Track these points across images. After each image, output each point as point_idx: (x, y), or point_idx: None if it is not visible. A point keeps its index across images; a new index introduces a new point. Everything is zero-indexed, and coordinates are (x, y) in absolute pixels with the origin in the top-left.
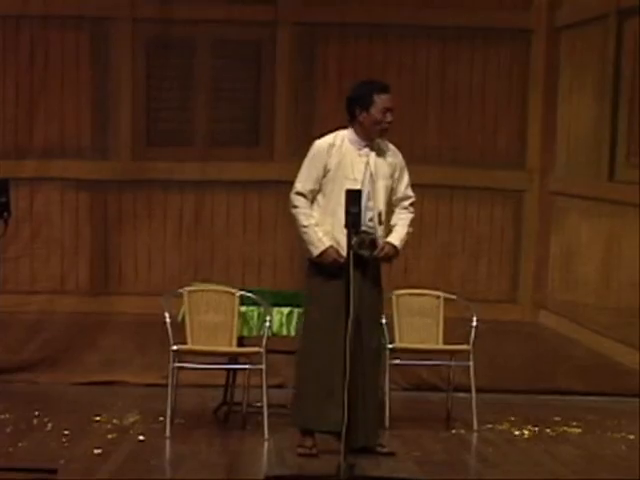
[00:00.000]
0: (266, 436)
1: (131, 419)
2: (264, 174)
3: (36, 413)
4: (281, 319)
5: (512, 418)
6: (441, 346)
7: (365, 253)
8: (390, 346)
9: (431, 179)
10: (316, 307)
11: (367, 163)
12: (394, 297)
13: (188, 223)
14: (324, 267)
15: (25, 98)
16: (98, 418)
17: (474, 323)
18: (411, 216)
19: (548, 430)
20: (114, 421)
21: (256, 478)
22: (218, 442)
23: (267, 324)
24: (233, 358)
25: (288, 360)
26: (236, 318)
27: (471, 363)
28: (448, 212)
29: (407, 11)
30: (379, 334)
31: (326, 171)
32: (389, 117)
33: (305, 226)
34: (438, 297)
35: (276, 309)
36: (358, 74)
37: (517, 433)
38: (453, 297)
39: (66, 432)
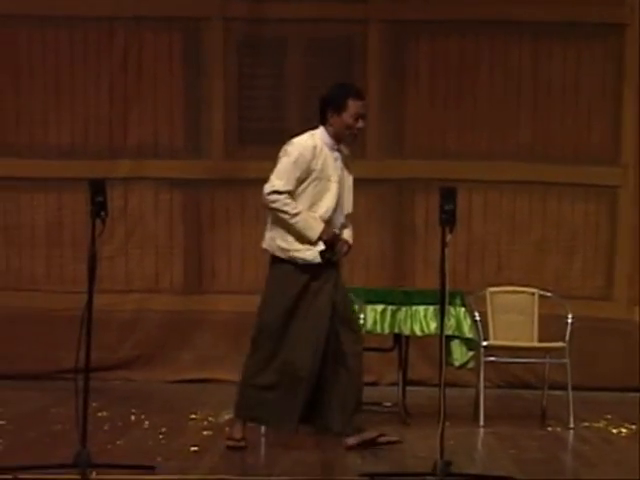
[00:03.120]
0: None
1: (226, 417)
2: (356, 172)
3: (133, 411)
4: (375, 316)
5: (608, 416)
6: (536, 343)
7: (333, 257)
8: (484, 344)
9: (524, 176)
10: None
11: (340, 166)
12: (488, 294)
13: None
14: (290, 267)
15: (119, 99)
16: (194, 416)
17: (569, 320)
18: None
19: None
20: (209, 419)
21: (351, 475)
22: (312, 440)
23: (361, 322)
24: None
25: (382, 358)
26: None
27: (567, 360)
28: (542, 209)
29: (498, 7)
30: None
31: (309, 173)
32: (360, 123)
33: (296, 213)
34: (533, 294)
35: (370, 306)
36: (449, 71)
37: (614, 431)
38: (548, 294)
39: (163, 429)
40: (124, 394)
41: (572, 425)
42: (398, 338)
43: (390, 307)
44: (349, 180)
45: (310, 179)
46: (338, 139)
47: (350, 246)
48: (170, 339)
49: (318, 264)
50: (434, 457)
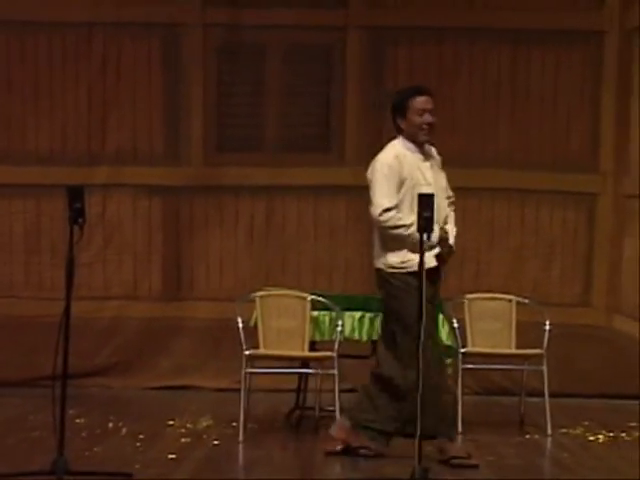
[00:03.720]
0: None
1: (204, 424)
2: (335, 179)
3: (110, 418)
4: (353, 323)
5: (586, 423)
6: (514, 350)
7: (444, 251)
8: (462, 350)
9: (503, 183)
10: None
11: (429, 167)
12: (466, 301)
13: (259, 228)
14: (410, 278)
15: (97, 105)
16: (172, 423)
17: (547, 327)
18: (453, 214)
19: (623, 435)
20: (187, 426)
21: None
22: (291, 446)
23: (339, 328)
24: (305, 363)
25: (359, 364)
26: (308, 323)
27: (544, 367)
28: (520, 216)
29: (477, 14)
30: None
31: (402, 181)
32: (428, 118)
33: (411, 224)
34: (510, 301)
35: (347, 314)
36: (428, 78)
37: (592, 438)
38: (525, 301)
39: (140, 436)
40: (102, 401)
41: (550, 432)
42: (376, 345)
43: (368, 314)
44: (441, 180)
45: (404, 188)
46: (416, 141)
47: (451, 248)
48: (148, 346)
49: (428, 271)
50: (412, 464)
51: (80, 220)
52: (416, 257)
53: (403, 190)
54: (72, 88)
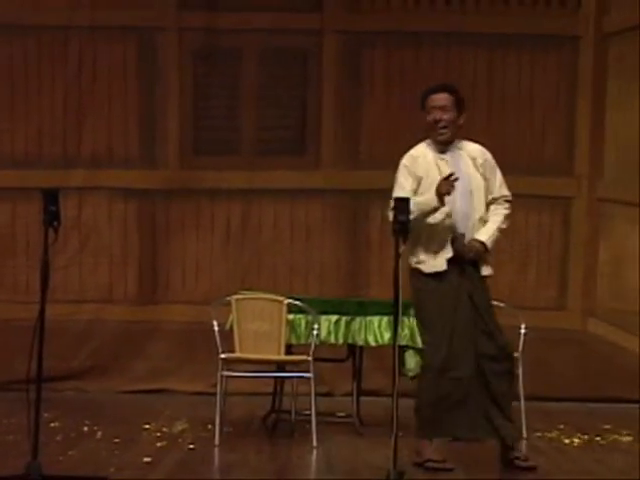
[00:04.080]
0: (314, 444)
1: (180, 427)
2: (311, 182)
3: (85, 421)
4: (329, 327)
5: (561, 426)
6: None
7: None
8: None
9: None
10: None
11: (454, 166)
12: None
13: (235, 231)
14: (427, 279)
15: (73, 108)
16: (147, 426)
17: (522, 330)
18: (505, 212)
19: (598, 438)
20: (163, 429)
21: None
22: (267, 450)
23: (315, 332)
24: (281, 366)
25: (336, 368)
26: (284, 326)
27: (520, 371)
28: None
29: (454, 18)
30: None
31: (419, 180)
32: (438, 115)
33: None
34: None
35: (324, 317)
36: (404, 82)
37: (567, 441)
38: (501, 305)
39: (116, 440)
40: (77, 404)
41: (525, 435)
42: (352, 348)
43: (344, 317)
44: (476, 180)
45: (421, 187)
46: (436, 140)
47: (484, 246)
48: (124, 349)
49: (450, 271)
50: (387, 467)
51: (55, 223)
52: (428, 259)
53: (420, 189)
54: (48, 91)
